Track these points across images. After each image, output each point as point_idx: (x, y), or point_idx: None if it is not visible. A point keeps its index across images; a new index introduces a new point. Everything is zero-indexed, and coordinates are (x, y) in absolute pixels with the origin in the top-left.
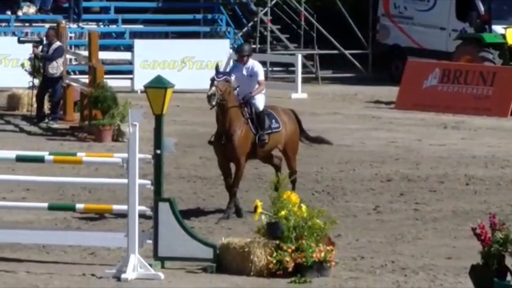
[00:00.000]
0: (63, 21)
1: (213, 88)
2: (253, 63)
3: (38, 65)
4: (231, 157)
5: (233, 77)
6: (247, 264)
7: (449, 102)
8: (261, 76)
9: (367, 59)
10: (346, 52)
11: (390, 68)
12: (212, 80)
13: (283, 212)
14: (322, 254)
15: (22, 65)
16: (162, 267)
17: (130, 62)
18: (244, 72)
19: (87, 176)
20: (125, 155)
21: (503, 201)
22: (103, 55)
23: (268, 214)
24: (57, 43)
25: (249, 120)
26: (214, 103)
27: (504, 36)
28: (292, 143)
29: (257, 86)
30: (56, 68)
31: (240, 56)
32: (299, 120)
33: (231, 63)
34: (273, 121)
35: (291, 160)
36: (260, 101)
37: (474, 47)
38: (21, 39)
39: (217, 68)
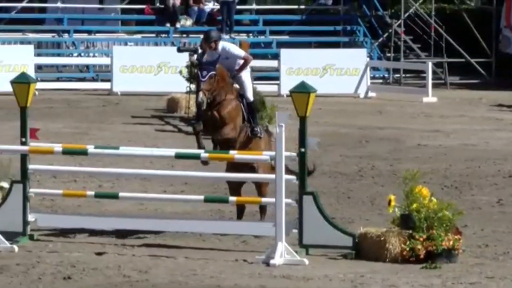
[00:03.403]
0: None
1: (200, 95)
2: (223, 46)
3: (194, 72)
4: (218, 124)
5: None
6: (383, 251)
7: None
8: (241, 53)
9: (491, 66)
10: (472, 60)
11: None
12: (198, 81)
13: (415, 205)
14: (451, 243)
15: (180, 72)
16: (307, 253)
17: (277, 69)
18: (217, 56)
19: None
20: (273, 153)
21: None
22: (252, 63)
23: (401, 207)
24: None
25: (241, 105)
26: (205, 106)
27: None
28: (266, 166)
29: (240, 62)
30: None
31: (208, 43)
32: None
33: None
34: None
35: (262, 188)
36: (248, 91)
37: None
38: (180, 48)
39: (200, 63)
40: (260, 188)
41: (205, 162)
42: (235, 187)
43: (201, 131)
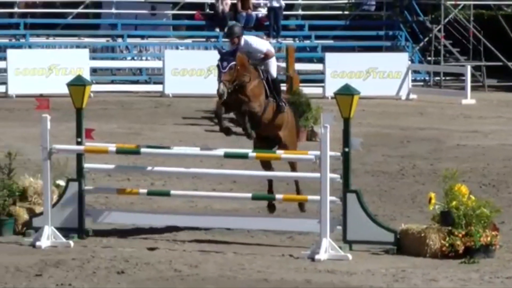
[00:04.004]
0: (264, 37)
1: (221, 86)
2: (246, 40)
3: None
4: (243, 101)
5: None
6: (423, 247)
7: None
8: (264, 49)
9: None
10: (509, 63)
11: None
12: (219, 72)
13: (454, 203)
14: (488, 239)
15: None
16: (350, 249)
17: (322, 72)
18: (236, 47)
19: (286, 171)
20: (318, 152)
21: None
22: (299, 66)
23: (441, 204)
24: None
25: (264, 80)
26: (225, 97)
27: None
28: (291, 132)
29: (262, 57)
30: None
31: (231, 39)
32: None
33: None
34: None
35: (288, 149)
36: (273, 67)
37: None
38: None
39: (220, 55)
40: (293, 164)
41: (227, 131)
42: (266, 163)
43: (222, 114)
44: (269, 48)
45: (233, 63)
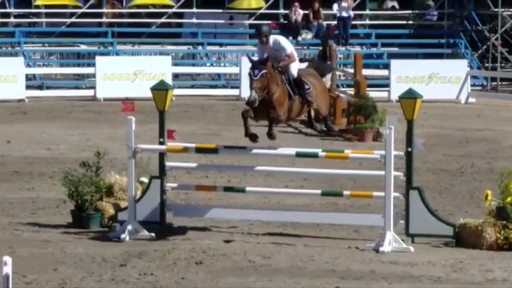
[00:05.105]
0: (334, 45)
1: (253, 93)
2: (275, 39)
3: None
4: (271, 110)
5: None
6: (480, 240)
7: None
8: (288, 50)
9: None
10: None
11: None
12: (251, 79)
13: (509, 199)
14: None
15: None
16: (412, 242)
17: (387, 78)
18: (269, 49)
19: (353, 169)
20: (383, 152)
21: None
22: (366, 72)
23: (497, 200)
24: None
25: (286, 83)
26: (257, 104)
27: None
28: (323, 99)
29: (286, 58)
30: (324, 82)
31: (260, 38)
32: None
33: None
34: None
35: (323, 112)
36: (294, 68)
37: None
38: (301, 59)
39: (252, 63)
40: (322, 112)
41: (253, 138)
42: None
43: (251, 117)
44: (293, 51)
45: (264, 71)
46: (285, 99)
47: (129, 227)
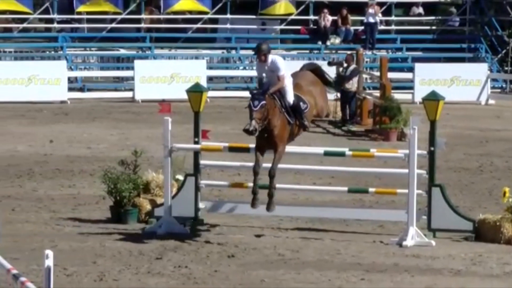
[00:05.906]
0: (361, 49)
1: (253, 123)
2: (273, 59)
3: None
4: (273, 145)
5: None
6: (498, 234)
7: None
8: (281, 71)
9: None
10: None
11: None
12: (250, 111)
13: None
14: None
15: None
16: (434, 236)
17: (411, 80)
18: (266, 68)
19: (378, 167)
20: (407, 151)
21: None
22: (391, 75)
23: None
24: (353, 66)
25: (284, 111)
26: (257, 134)
27: None
28: (321, 103)
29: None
30: (351, 84)
31: (258, 56)
32: (318, 73)
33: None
34: (301, 103)
35: (320, 111)
36: (288, 94)
37: None
38: (330, 62)
39: (251, 95)
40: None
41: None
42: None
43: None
44: (285, 74)
45: (264, 102)
46: (285, 132)
47: (167, 221)
